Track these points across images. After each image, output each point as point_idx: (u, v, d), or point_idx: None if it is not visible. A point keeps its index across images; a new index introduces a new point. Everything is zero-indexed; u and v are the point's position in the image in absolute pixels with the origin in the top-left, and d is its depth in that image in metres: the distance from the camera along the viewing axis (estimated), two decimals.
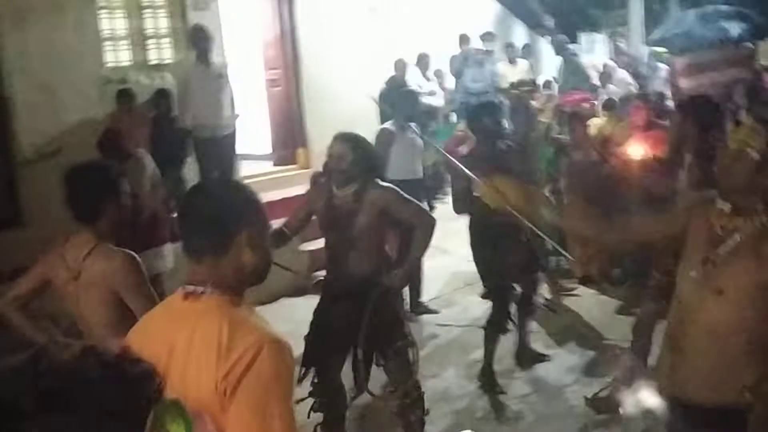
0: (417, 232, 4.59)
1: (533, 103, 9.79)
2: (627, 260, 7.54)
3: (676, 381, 2.83)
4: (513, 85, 10.52)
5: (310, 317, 4.68)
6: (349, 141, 4.54)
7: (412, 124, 7.33)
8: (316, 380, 4.58)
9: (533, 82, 10.96)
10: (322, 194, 4.63)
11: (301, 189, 8.63)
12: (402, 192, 4.56)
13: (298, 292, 8.16)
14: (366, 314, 4.38)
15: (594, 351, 6.27)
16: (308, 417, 4.52)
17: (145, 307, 2.77)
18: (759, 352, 2.69)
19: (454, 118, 11.49)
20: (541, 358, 6.21)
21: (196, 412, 1.75)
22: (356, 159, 4.44)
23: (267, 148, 10.64)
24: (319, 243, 8.30)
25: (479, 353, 5.92)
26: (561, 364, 6.14)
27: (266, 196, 7.31)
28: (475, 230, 5.87)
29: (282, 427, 1.86)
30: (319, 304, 4.68)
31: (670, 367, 2.84)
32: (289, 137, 10.29)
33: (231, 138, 8.54)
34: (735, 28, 8.56)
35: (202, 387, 1.85)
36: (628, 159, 7.04)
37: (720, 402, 2.69)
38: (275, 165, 10.31)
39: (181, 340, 1.95)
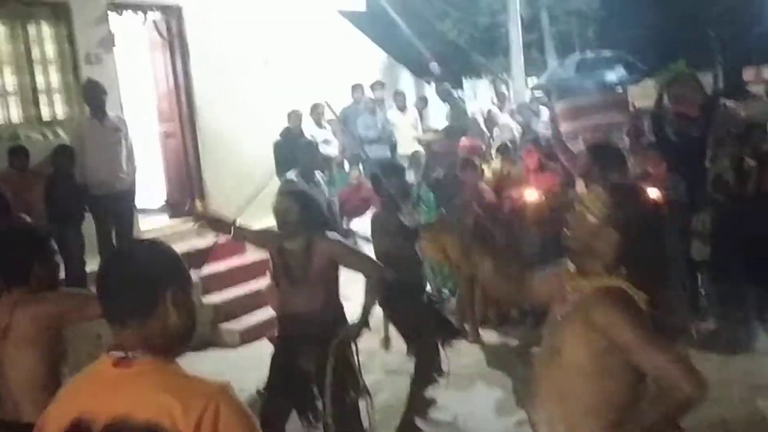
0: (368, 283, 4.79)
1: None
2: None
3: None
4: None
5: (214, 370, 4.73)
6: (293, 195, 4.82)
7: (317, 173, 7.52)
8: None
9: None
10: (273, 245, 4.82)
11: (200, 242, 8.67)
12: (346, 243, 4.85)
13: (202, 345, 8.16)
14: (328, 365, 4.51)
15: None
16: None
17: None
18: (599, 418, 2.67)
19: (346, 166, 11.73)
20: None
21: None
22: (302, 212, 4.64)
23: (162, 201, 10.58)
24: (222, 296, 8.44)
25: (388, 398, 6.09)
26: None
27: None
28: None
29: None
30: (275, 355, 4.82)
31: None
32: (186, 189, 10.26)
33: (129, 193, 8.47)
34: (612, 74, 9.08)
35: None
36: (524, 202, 7.40)
37: None
38: (171, 218, 10.25)
39: (120, 406, 1.92)
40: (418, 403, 5.71)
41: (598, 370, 2.62)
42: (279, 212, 4.74)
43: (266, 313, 8.29)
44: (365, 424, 4.81)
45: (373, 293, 4.82)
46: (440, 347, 5.83)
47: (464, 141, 8.47)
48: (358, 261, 4.84)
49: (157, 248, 2.16)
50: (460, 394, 6.46)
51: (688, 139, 7.57)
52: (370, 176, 6.48)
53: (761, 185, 7.31)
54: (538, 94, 14.52)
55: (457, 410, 6.21)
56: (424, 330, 5.73)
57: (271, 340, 5.05)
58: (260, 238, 5.19)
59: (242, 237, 5.41)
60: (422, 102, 13.73)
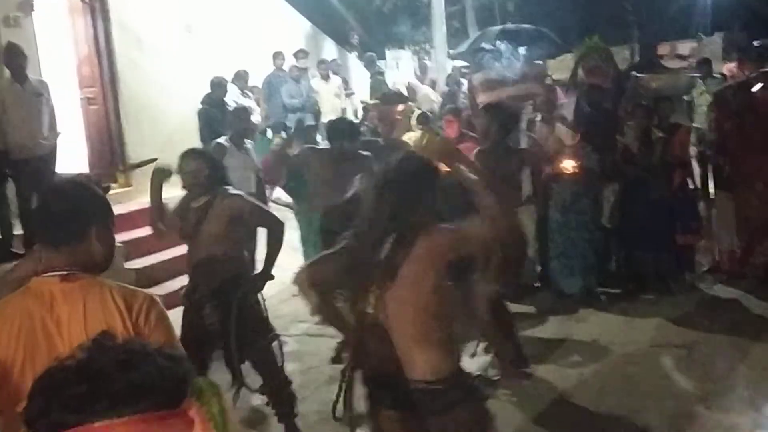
0: (269, 236, 4.98)
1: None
2: None
3: None
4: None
5: None
6: (201, 156, 4.96)
7: (247, 141, 7.60)
8: None
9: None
10: (180, 205, 4.98)
11: (121, 208, 8.66)
12: (250, 199, 4.96)
13: None
14: (231, 316, 4.71)
15: None
16: None
17: None
18: None
19: (269, 134, 11.78)
20: None
21: None
22: (210, 172, 4.80)
23: (84, 167, 10.48)
24: (144, 261, 8.47)
25: (313, 360, 6.29)
26: None
27: None
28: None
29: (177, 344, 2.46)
30: (185, 312, 4.95)
31: None
32: (108, 156, 10.19)
33: (50, 157, 8.38)
34: (530, 47, 9.34)
35: None
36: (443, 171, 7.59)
37: None
38: None
39: (71, 314, 2.35)
40: None
41: None
42: (189, 173, 4.85)
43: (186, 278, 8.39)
44: (280, 367, 5.06)
45: (275, 246, 5.00)
46: None
47: (401, 107, 8.59)
48: (259, 214, 5.04)
49: (88, 188, 2.62)
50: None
51: (601, 111, 7.90)
52: (328, 130, 6.66)
53: (665, 155, 7.68)
54: (458, 63, 14.76)
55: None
56: None
57: (181, 298, 5.17)
58: (176, 214, 5.18)
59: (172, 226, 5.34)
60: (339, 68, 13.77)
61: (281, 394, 5.05)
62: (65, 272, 2.40)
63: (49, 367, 1.34)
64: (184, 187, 4.98)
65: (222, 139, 7.47)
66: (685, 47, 22.59)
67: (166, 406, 1.30)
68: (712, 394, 5.53)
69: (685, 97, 12.23)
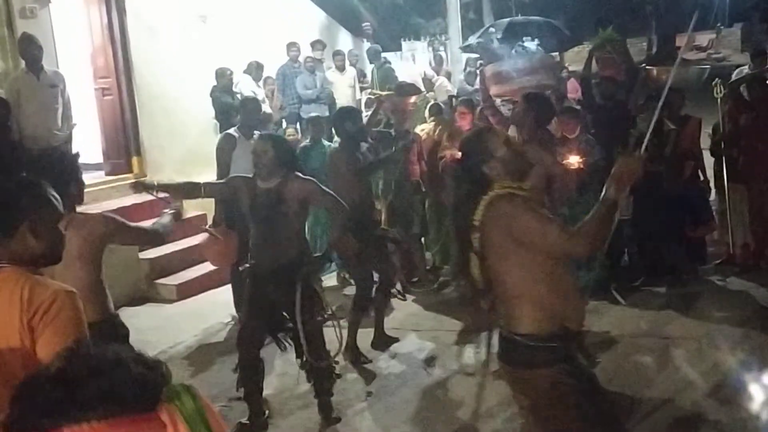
0: (333, 219, 5.44)
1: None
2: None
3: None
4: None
5: (151, 324, 5.13)
6: (269, 139, 5.23)
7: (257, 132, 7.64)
8: (240, 355, 5.22)
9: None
10: (245, 188, 5.19)
11: (135, 198, 8.70)
12: (319, 184, 5.21)
13: (139, 300, 8.29)
14: (297, 294, 5.04)
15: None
16: (236, 390, 5.33)
17: None
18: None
19: (284, 124, 11.81)
20: (394, 340, 6.83)
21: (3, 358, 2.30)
22: (276, 155, 5.02)
23: (99, 157, 10.56)
24: (159, 251, 8.52)
25: None
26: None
27: (100, 206, 7.69)
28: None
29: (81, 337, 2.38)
30: (247, 289, 5.30)
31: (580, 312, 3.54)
32: (123, 146, 10.25)
33: (65, 148, 8.46)
34: (539, 39, 9.32)
35: (7, 335, 2.32)
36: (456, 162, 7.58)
37: None
38: (108, 175, 10.23)
39: None
40: (353, 327, 6.45)
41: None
42: (260, 154, 5.09)
43: (203, 268, 8.45)
44: (337, 342, 5.49)
45: (337, 229, 5.43)
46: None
47: (414, 99, 8.59)
48: (326, 199, 5.28)
49: (21, 183, 2.65)
50: (393, 346, 6.77)
51: (614, 103, 7.87)
52: (332, 119, 6.85)
53: (677, 148, 7.65)
54: (467, 55, 14.71)
55: (389, 360, 6.50)
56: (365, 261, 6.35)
57: (244, 272, 5.54)
58: (228, 187, 5.51)
59: (212, 193, 5.90)
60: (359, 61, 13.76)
61: (322, 372, 5.34)
62: None
63: (27, 375, 1.42)
64: (254, 167, 5.21)
65: (232, 130, 7.49)
66: (703, 39, 22.46)
67: (137, 411, 1.35)
68: (724, 386, 5.53)
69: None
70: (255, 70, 11.30)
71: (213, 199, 7.04)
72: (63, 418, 1.31)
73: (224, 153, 7.20)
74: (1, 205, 2.53)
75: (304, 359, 5.29)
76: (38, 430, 1.32)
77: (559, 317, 3.30)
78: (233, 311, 7.44)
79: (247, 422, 5.31)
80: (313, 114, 10.40)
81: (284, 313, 5.29)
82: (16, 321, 2.35)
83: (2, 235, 2.48)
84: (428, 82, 13.02)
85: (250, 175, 5.26)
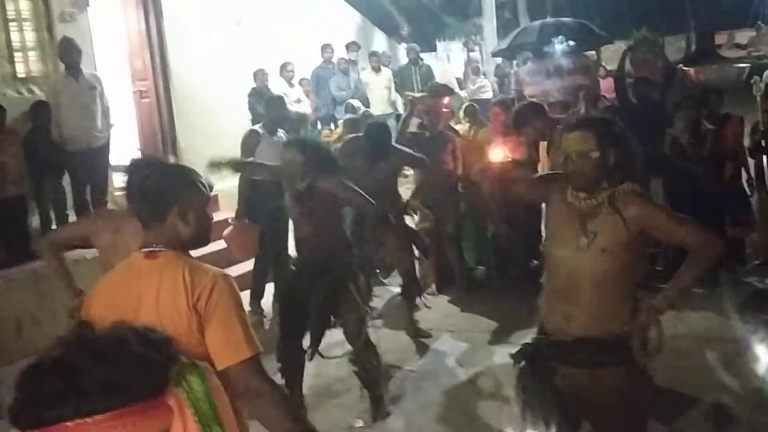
0: (363, 216, 5.70)
1: None
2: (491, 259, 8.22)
3: (565, 325, 3.39)
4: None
5: None
6: (297, 146, 5.34)
7: (281, 131, 7.76)
8: (282, 347, 5.39)
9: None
10: (288, 183, 5.43)
11: None
12: (347, 182, 5.33)
13: None
14: (325, 288, 5.22)
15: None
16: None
17: None
18: (631, 291, 3.34)
19: (319, 125, 11.89)
20: (427, 334, 6.95)
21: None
22: (307, 160, 5.18)
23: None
24: (193, 253, 8.56)
25: None
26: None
27: None
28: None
29: (245, 328, 2.43)
30: (290, 281, 5.57)
31: (563, 317, 3.40)
32: (160, 147, 10.36)
33: (104, 149, 8.60)
34: (573, 39, 9.26)
35: (174, 319, 2.35)
36: (490, 162, 7.58)
37: (605, 334, 3.30)
38: None
39: (149, 288, 2.46)
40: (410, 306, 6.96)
41: (632, 255, 3.30)
42: (289, 161, 5.29)
43: (239, 269, 8.50)
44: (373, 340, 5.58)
45: (367, 226, 5.83)
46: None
47: (447, 100, 8.58)
48: (355, 198, 5.40)
49: (170, 169, 2.80)
50: (427, 346, 6.80)
51: (649, 102, 7.81)
52: (365, 137, 7.02)
53: (716, 148, 7.56)
54: (499, 59, 14.67)
55: (424, 360, 6.52)
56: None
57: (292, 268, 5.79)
58: (274, 172, 5.82)
59: (255, 172, 6.20)
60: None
61: (368, 365, 5.46)
62: (149, 249, 2.53)
63: (29, 362, 1.34)
64: (284, 173, 5.44)
65: (256, 126, 7.65)
66: (743, 36, 22.15)
67: (143, 398, 1.29)
68: (761, 389, 5.46)
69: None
70: (286, 71, 11.36)
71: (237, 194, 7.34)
72: (65, 411, 1.26)
73: (248, 148, 7.38)
74: (153, 192, 2.60)
75: (353, 354, 5.47)
76: (40, 423, 1.27)
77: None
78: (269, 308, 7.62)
79: None
80: (348, 116, 10.44)
81: (324, 309, 5.41)
82: (182, 304, 2.40)
83: (155, 220, 2.55)
84: (464, 83, 12.99)
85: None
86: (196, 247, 2.64)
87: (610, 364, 3.31)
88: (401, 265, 7.11)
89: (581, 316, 3.34)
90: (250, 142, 7.45)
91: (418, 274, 7.42)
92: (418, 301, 7.30)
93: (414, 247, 7.09)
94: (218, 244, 8.18)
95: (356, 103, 10.42)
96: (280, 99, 8.34)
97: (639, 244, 3.31)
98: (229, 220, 7.20)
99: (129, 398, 1.28)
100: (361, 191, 5.43)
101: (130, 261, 2.59)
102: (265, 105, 8.16)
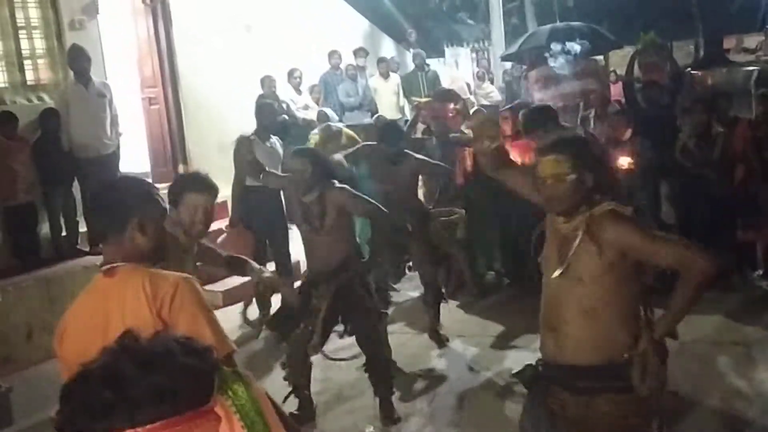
0: (372, 224, 5.79)
1: None
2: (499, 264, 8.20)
3: (557, 352, 3.27)
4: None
5: None
6: (305, 156, 5.33)
7: (274, 137, 7.82)
8: (288, 352, 5.46)
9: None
10: (294, 194, 5.46)
11: None
12: (354, 190, 5.37)
13: None
14: (334, 295, 5.24)
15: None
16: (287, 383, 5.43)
17: None
18: (629, 317, 3.17)
19: None
20: (446, 339, 6.95)
21: None
22: (314, 169, 5.19)
23: (146, 166, 10.72)
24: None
25: None
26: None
27: None
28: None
29: (213, 328, 2.43)
30: (301, 287, 5.52)
31: (554, 344, 3.27)
32: (169, 155, 10.39)
33: (114, 157, 8.61)
34: (582, 44, 9.24)
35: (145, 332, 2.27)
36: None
37: (599, 362, 3.16)
38: (154, 183, 10.35)
39: (113, 308, 2.44)
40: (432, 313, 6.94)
41: (616, 281, 3.10)
42: (295, 172, 5.30)
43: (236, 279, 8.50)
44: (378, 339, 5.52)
45: (380, 233, 5.80)
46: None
47: (453, 105, 8.57)
48: (364, 207, 5.43)
49: (130, 183, 2.74)
50: (439, 351, 6.80)
51: (658, 107, 7.80)
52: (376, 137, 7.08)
53: (726, 151, 7.53)
54: (508, 64, 14.66)
55: (435, 365, 6.51)
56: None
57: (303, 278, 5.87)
58: (284, 183, 5.89)
59: (269, 181, 6.13)
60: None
61: (381, 371, 5.47)
62: (108, 266, 2.51)
63: (75, 372, 1.33)
64: (293, 183, 5.44)
65: (248, 134, 7.69)
66: (751, 41, 22.06)
67: (191, 406, 1.29)
68: None
69: None
70: (293, 78, 11.36)
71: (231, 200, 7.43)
72: (114, 421, 1.24)
73: (240, 155, 7.35)
74: (111, 204, 2.58)
75: (365, 360, 5.50)
76: None
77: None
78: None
79: (297, 412, 5.44)
80: (354, 122, 10.47)
81: (337, 316, 5.47)
82: (147, 315, 2.38)
83: (113, 233, 2.53)
84: (477, 89, 12.98)
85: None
86: (155, 260, 2.61)
87: (607, 392, 3.16)
88: (424, 275, 7.09)
89: (571, 344, 3.20)
90: (242, 149, 7.41)
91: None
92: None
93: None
94: None
95: (329, 111, 10.38)
96: (269, 105, 8.37)
97: (626, 269, 3.12)
98: (223, 228, 7.19)
99: (178, 407, 1.27)
100: (370, 199, 5.44)
101: (93, 283, 2.59)
102: (255, 112, 8.18)
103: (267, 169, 6.14)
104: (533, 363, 3.47)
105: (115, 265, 2.49)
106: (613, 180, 3.26)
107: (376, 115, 10.47)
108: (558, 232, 3.24)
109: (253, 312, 8.09)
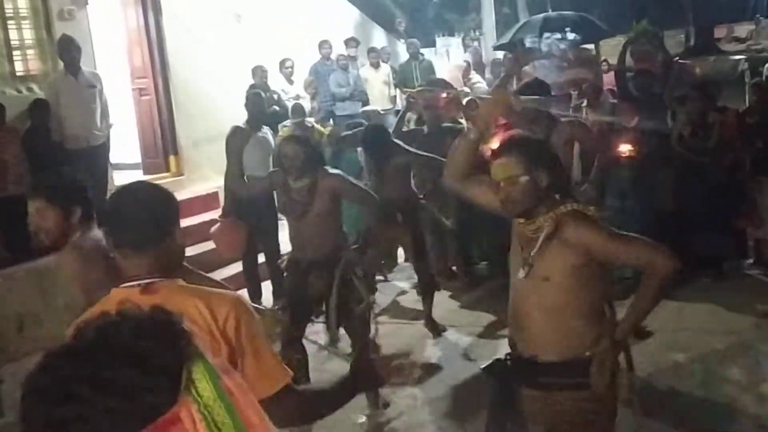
0: (365, 211, 5.67)
1: None
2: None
3: (523, 348, 3.29)
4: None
5: None
6: (299, 142, 5.38)
7: (266, 127, 7.82)
8: (286, 344, 5.35)
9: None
10: (279, 185, 5.43)
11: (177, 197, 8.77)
12: (348, 177, 5.39)
13: None
14: (335, 285, 5.23)
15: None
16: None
17: None
18: (593, 316, 3.17)
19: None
20: (443, 328, 6.99)
21: None
22: (306, 156, 5.20)
23: (136, 157, 10.68)
24: (197, 248, 8.59)
25: None
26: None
27: None
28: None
29: (271, 350, 2.31)
30: (288, 279, 5.54)
31: (520, 340, 3.30)
32: (160, 145, 10.35)
33: (104, 148, 8.59)
34: (575, 33, 9.25)
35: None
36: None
37: (562, 359, 3.16)
38: (145, 174, 10.34)
39: None
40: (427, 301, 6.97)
41: (581, 281, 3.10)
42: (287, 157, 5.28)
43: (239, 266, 8.49)
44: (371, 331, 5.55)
45: (370, 220, 5.71)
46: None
47: (445, 94, 8.55)
48: (357, 193, 5.48)
49: (161, 189, 2.50)
50: (433, 340, 6.84)
51: (650, 95, 7.80)
52: (362, 141, 7.10)
53: (720, 139, 7.53)
54: (500, 54, 14.64)
55: (429, 354, 6.52)
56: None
57: (282, 263, 5.80)
58: (266, 184, 5.96)
59: (254, 187, 6.30)
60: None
61: (369, 358, 5.37)
62: (146, 281, 2.25)
63: (26, 377, 1.21)
64: (284, 169, 5.40)
65: (241, 124, 7.71)
66: (742, 30, 22.09)
67: (152, 419, 1.15)
68: (764, 381, 5.46)
69: None
70: (285, 67, 11.32)
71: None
72: None
73: (232, 145, 7.42)
74: (158, 211, 2.35)
75: (353, 348, 5.50)
76: None
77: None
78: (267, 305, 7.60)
79: None
80: (346, 113, 10.46)
81: (323, 304, 5.45)
82: (207, 340, 2.03)
83: (151, 245, 2.29)
84: (467, 79, 12.93)
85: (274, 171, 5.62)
86: (181, 264, 2.46)
87: (569, 389, 3.16)
88: (418, 268, 7.14)
89: (536, 341, 3.21)
90: (233, 139, 7.49)
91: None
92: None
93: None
94: (208, 245, 8.22)
95: (306, 104, 10.35)
96: (257, 95, 8.36)
97: (590, 268, 3.11)
98: (217, 218, 7.19)
99: (138, 423, 1.15)
100: (362, 185, 5.45)
101: (120, 298, 2.17)
102: (246, 102, 8.16)
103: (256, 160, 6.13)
104: (502, 357, 3.45)
105: (152, 279, 2.24)
106: (566, 178, 3.20)
107: (363, 109, 10.44)
108: (522, 234, 3.23)
109: None
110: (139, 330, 1.21)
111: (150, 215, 2.32)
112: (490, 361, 3.51)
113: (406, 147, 6.97)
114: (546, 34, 9.16)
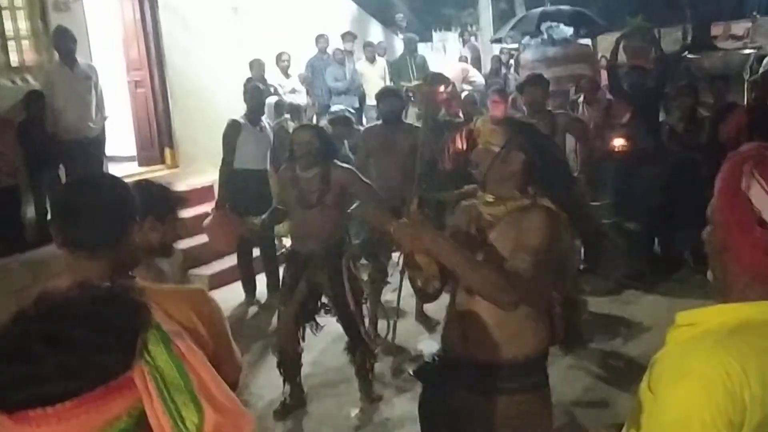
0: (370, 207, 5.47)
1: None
2: None
3: (461, 345, 3.05)
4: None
5: None
6: (313, 130, 5.35)
7: (263, 118, 7.78)
8: (281, 336, 5.44)
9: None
10: (286, 176, 5.37)
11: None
12: (359, 174, 5.37)
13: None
14: (342, 276, 5.21)
15: None
16: (277, 368, 5.49)
17: None
18: (540, 316, 2.99)
19: (315, 120, 11.80)
20: (436, 323, 6.82)
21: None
22: (320, 145, 5.17)
23: (131, 149, 10.66)
24: (192, 241, 8.58)
25: None
26: None
27: None
28: None
29: (233, 344, 2.24)
30: (287, 271, 5.47)
31: (460, 336, 3.04)
32: (155, 138, 10.33)
33: (99, 140, 8.56)
34: (572, 28, 9.24)
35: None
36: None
37: (505, 360, 2.96)
38: (141, 166, 10.33)
39: None
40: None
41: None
42: (302, 144, 5.20)
43: (235, 258, 8.48)
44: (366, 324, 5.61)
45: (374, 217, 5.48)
46: None
47: (443, 89, 8.53)
48: (363, 188, 5.42)
49: (120, 183, 2.18)
50: (426, 334, 6.81)
51: (643, 91, 7.79)
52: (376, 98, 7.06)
53: (716, 135, 7.53)
54: (498, 48, 14.63)
55: (423, 349, 6.50)
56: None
57: (283, 257, 5.83)
58: (280, 179, 5.73)
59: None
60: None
61: (363, 352, 5.48)
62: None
63: None
64: (295, 158, 5.32)
65: (238, 116, 7.67)
66: (739, 28, 22.10)
67: (105, 380, 1.19)
68: None
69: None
70: (282, 61, 11.30)
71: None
72: (24, 400, 1.17)
73: (229, 138, 7.47)
74: (119, 206, 2.09)
75: (348, 342, 5.48)
76: (2, 408, 1.18)
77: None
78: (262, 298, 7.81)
79: (287, 399, 5.49)
80: (341, 107, 10.41)
81: (322, 298, 5.46)
82: (208, 346, 1.98)
83: (116, 241, 2.06)
84: (466, 72, 12.92)
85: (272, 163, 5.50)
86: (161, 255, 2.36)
87: (507, 392, 2.97)
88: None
89: (478, 337, 2.96)
90: (231, 132, 7.53)
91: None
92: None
93: None
94: (201, 238, 8.20)
95: (294, 100, 10.31)
96: (256, 88, 8.34)
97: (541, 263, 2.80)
98: (210, 210, 7.18)
99: (89, 383, 1.18)
100: (371, 183, 5.49)
101: None
102: (244, 95, 8.15)
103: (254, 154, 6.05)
104: (430, 359, 3.25)
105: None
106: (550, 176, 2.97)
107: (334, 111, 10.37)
108: (480, 216, 3.03)
109: (239, 295, 8.10)
110: (96, 298, 1.24)
111: (107, 213, 2.06)
112: (420, 364, 3.31)
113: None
114: (546, 23, 9.14)
